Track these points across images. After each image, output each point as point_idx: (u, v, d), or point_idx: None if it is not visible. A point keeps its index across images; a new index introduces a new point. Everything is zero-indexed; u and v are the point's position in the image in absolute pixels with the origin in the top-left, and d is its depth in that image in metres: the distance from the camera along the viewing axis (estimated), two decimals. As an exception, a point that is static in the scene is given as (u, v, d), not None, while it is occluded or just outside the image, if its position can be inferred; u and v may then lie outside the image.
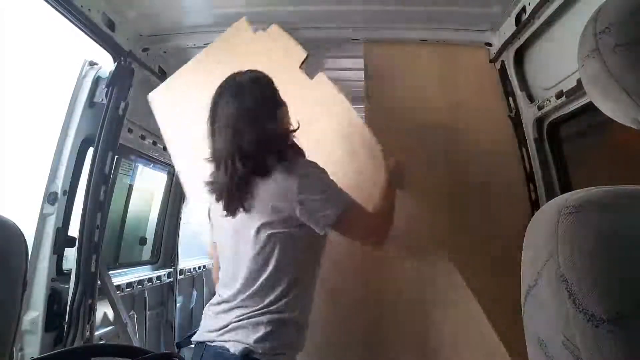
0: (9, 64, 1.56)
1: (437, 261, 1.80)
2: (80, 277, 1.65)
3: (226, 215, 1.17)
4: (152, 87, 2.10)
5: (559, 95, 1.49)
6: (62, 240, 1.66)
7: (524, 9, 1.56)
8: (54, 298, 1.61)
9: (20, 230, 0.64)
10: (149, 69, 1.99)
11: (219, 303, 1.19)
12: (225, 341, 1.10)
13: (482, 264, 1.77)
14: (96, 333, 1.68)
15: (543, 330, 0.47)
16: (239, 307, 1.13)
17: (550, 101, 1.57)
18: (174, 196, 3.01)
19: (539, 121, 1.72)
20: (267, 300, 1.12)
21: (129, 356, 0.90)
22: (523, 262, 0.51)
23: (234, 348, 1.08)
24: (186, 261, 3.34)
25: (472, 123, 1.89)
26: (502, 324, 1.61)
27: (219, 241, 1.29)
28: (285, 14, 1.79)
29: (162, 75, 2.13)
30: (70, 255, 1.71)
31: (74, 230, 1.71)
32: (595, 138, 1.68)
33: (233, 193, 1.13)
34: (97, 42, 1.70)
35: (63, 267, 1.70)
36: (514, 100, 1.81)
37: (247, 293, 1.13)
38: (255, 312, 1.11)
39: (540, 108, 1.65)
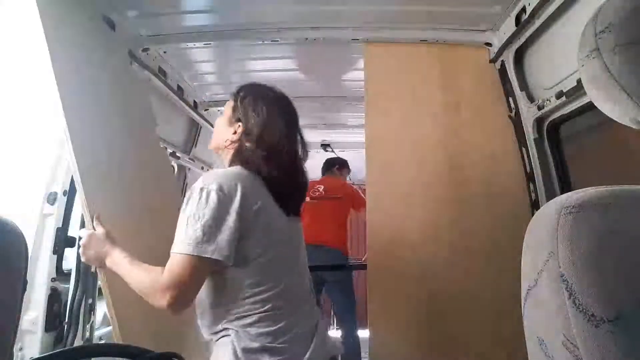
0: (8, 63, 1.56)
1: (437, 260, 1.80)
2: (80, 277, 1.65)
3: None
4: (153, 87, 2.10)
5: (559, 95, 1.49)
6: (62, 240, 1.65)
7: (524, 9, 1.56)
8: (54, 298, 1.61)
9: (20, 230, 0.64)
10: (149, 69, 1.99)
11: None
12: None
13: (482, 264, 1.77)
14: (96, 333, 1.68)
15: (543, 330, 0.47)
16: None
17: (550, 101, 1.57)
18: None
19: (539, 121, 1.72)
20: None
21: (129, 356, 0.90)
22: (523, 262, 0.51)
23: None
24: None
25: (472, 123, 1.89)
26: (502, 323, 1.62)
27: None
28: (284, 14, 1.79)
29: (163, 76, 2.14)
30: (71, 255, 1.71)
31: (74, 230, 1.71)
32: (595, 138, 1.68)
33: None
34: (97, 42, 1.69)
35: (63, 267, 1.70)
36: (514, 100, 1.81)
37: None
38: None
39: (540, 108, 1.65)
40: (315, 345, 1.08)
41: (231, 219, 1.00)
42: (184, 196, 1.07)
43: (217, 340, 1.08)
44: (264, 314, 1.04)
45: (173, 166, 2.78)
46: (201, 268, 0.99)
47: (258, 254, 1.04)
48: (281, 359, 1.02)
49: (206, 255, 0.97)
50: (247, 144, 1.14)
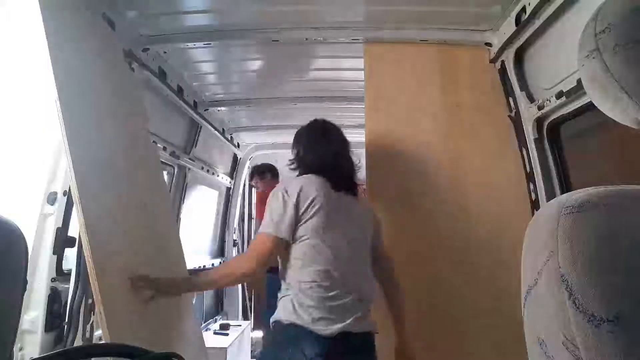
0: (9, 63, 1.56)
1: (437, 259, 1.80)
2: (80, 277, 1.65)
3: None
4: (152, 87, 2.10)
5: (559, 95, 1.49)
6: (62, 240, 1.65)
7: (524, 9, 1.56)
8: (54, 298, 1.60)
9: (20, 230, 0.64)
10: (149, 69, 1.99)
11: None
12: None
13: (481, 263, 1.77)
14: (96, 333, 1.68)
15: (543, 330, 0.47)
16: None
17: (550, 101, 1.57)
18: (173, 194, 3.01)
19: (539, 121, 1.72)
20: None
21: (128, 356, 0.90)
22: (523, 262, 0.51)
23: None
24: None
25: (472, 123, 1.89)
26: (501, 323, 1.62)
27: None
28: (285, 13, 1.79)
29: (163, 76, 2.14)
30: (71, 255, 1.71)
31: (74, 230, 1.71)
32: (595, 138, 1.68)
33: None
34: (97, 42, 1.69)
35: (63, 267, 1.70)
36: (514, 100, 1.81)
37: None
38: None
39: (540, 108, 1.65)
40: (356, 317, 1.39)
41: (290, 211, 1.43)
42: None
43: (282, 298, 1.45)
44: (316, 283, 1.39)
45: (173, 166, 2.78)
46: (271, 241, 1.43)
47: (311, 236, 1.43)
48: (329, 316, 1.36)
49: (273, 234, 1.43)
50: (302, 162, 1.62)
